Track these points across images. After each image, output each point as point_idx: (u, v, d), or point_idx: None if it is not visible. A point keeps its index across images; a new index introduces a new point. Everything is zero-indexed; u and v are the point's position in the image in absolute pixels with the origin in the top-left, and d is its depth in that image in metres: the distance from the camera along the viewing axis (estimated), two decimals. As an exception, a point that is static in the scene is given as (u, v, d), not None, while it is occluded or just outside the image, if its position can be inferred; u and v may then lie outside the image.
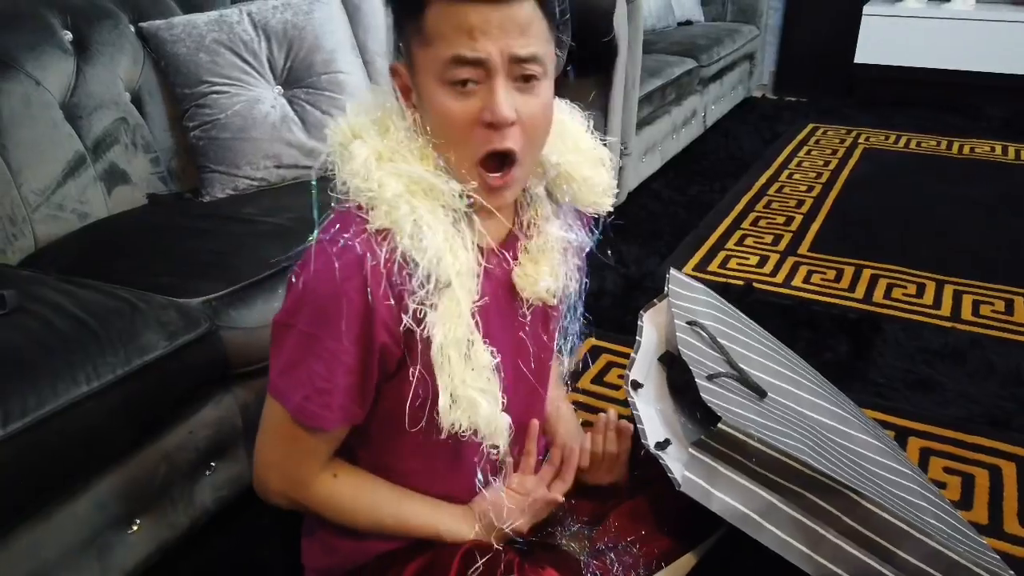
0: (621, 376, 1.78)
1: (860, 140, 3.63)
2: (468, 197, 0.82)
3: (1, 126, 1.45)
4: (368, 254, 0.77)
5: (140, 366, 1.09)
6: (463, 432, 0.84)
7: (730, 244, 2.51)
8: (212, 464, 1.27)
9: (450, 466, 0.95)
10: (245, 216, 1.53)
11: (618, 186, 2.60)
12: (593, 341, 1.90)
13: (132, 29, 1.71)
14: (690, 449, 0.93)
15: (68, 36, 1.60)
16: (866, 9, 4.07)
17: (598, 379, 1.79)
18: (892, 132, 3.72)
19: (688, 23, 3.86)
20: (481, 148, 0.79)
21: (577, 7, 2.00)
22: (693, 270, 2.29)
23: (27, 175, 1.48)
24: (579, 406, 1.64)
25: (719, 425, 0.91)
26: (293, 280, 0.80)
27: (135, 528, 1.15)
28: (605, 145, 0.99)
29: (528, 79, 0.78)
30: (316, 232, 0.81)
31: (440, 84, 0.77)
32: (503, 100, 0.76)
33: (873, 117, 3.97)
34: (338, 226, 0.80)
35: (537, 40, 0.78)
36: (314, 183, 0.84)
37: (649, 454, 0.98)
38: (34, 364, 1.01)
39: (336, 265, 0.77)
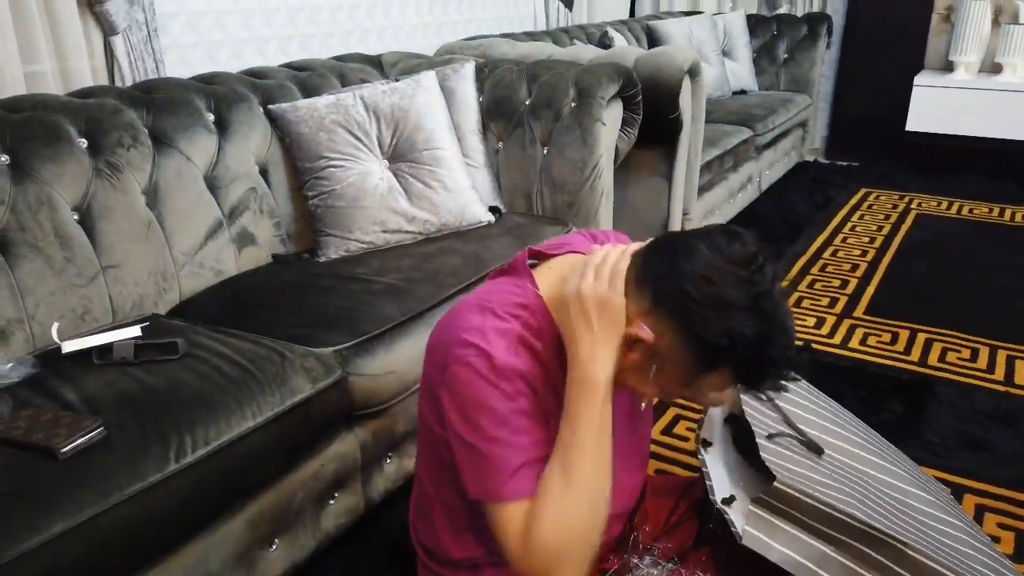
0: (689, 429, 1.93)
1: (912, 205, 3.74)
2: None
3: (159, 196, 1.70)
4: None
5: (291, 405, 1.28)
6: None
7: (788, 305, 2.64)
8: (335, 495, 1.46)
9: None
10: (359, 276, 1.74)
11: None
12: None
13: (262, 110, 1.96)
14: (750, 506, 1.07)
15: (211, 117, 1.86)
16: (917, 80, 4.22)
17: (667, 431, 1.94)
18: (945, 198, 3.83)
19: (743, 92, 4.06)
20: None
21: (646, 86, 2.22)
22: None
23: (177, 238, 1.72)
24: (652, 457, 1.79)
25: (775, 484, 1.05)
26: None
27: (275, 547, 1.34)
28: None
29: None
30: None
31: (671, 392, 0.96)
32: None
33: (925, 183, 4.08)
34: None
35: None
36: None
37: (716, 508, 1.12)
38: (212, 401, 1.21)
39: None
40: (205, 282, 1.77)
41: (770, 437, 1.17)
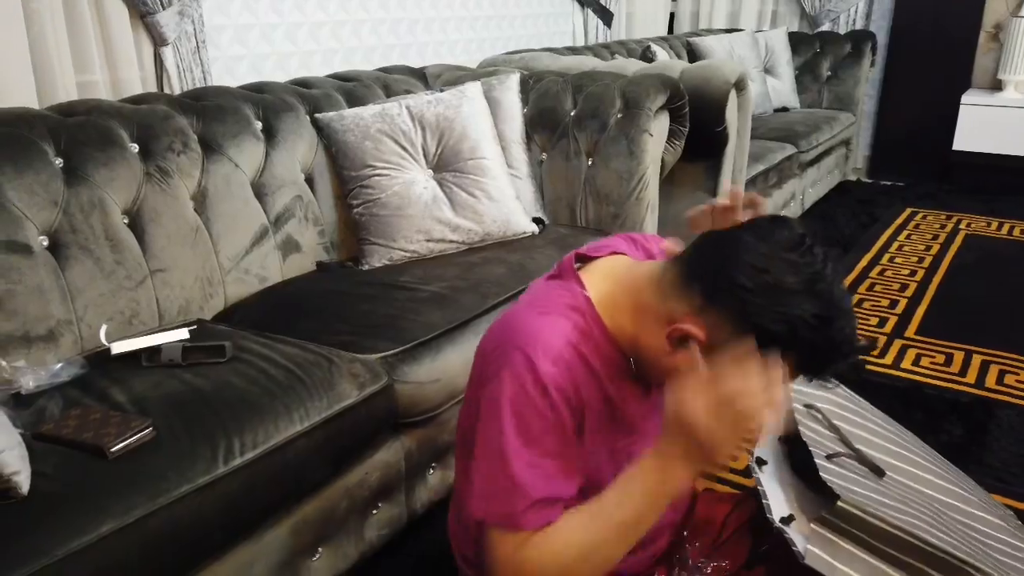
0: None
1: (961, 226, 3.65)
2: None
3: (207, 201, 1.70)
4: None
5: (339, 410, 1.26)
6: None
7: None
8: (379, 504, 1.43)
9: None
10: (403, 284, 1.73)
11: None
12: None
13: (308, 119, 1.97)
14: (812, 525, 1.02)
15: (259, 125, 1.86)
16: (964, 99, 4.13)
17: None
18: (994, 219, 3.73)
19: (784, 110, 4.01)
20: None
21: (692, 99, 2.19)
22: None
23: (224, 243, 1.72)
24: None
25: (838, 503, 1.00)
26: None
27: (318, 556, 1.31)
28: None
29: None
30: None
31: None
32: None
33: (973, 204, 3.98)
34: None
35: None
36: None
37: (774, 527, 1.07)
38: (260, 405, 1.20)
39: None
40: (250, 289, 1.76)
41: (829, 458, 1.12)
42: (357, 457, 1.35)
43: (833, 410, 1.26)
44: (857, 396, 1.40)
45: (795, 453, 1.21)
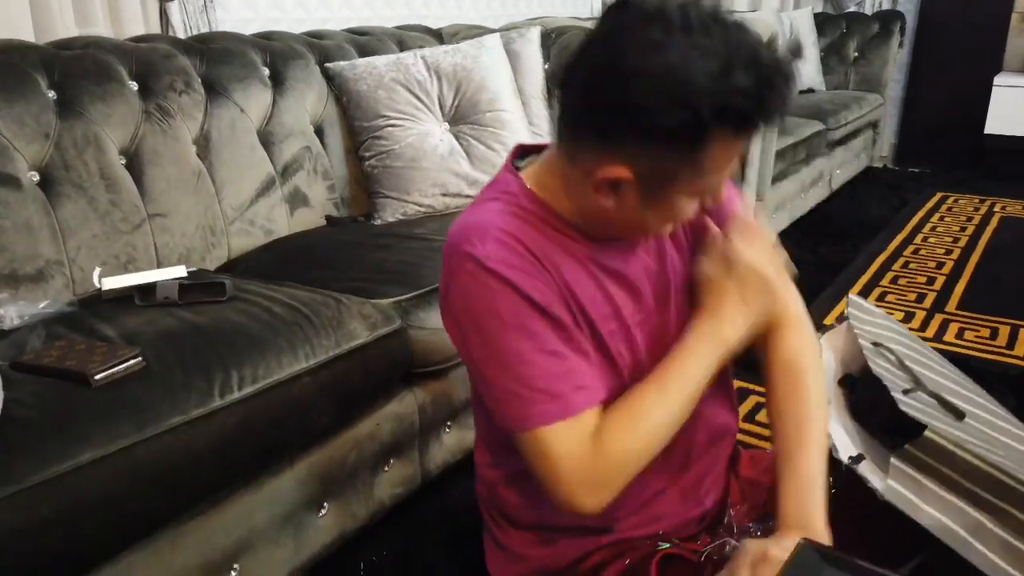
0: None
1: (996, 209, 3.51)
2: None
3: (210, 146, 1.60)
4: None
5: (348, 350, 1.15)
6: None
7: (870, 300, 2.44)
8: (390, 461, 1.32)
9: None
10: (419, 235, 1.62)
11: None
12: (738, 383, 1.88)
13: (319, 69, 1.87)
14: (892, 459, 0.90)
15: (266, 72, 1.76)
16: (997, 80, 4.00)
17: (749, 418, 1.76)
18: (1030, 202, 3.59)
19: (810, 91, 3.88)
20: (665, 232, 0.87)
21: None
22: (836, 322, 2.24)
23: (227, 191, 1.62)
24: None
25: (926, 433, 0.88)
26: None
27: (324, 512, 1.20)
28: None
29: None
30: None
31: (687, 196, 0.78)
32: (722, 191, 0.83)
33: (1006, 187, 3.84)
34: None
35: None
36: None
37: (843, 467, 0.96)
38: (262, 340, 1.09)
39: None
40: (255, 241, 1.66)
41: (905, 392, 1.00)
42: (368, 405, 1.24)
43: (904, 351, 1.14)
44: (922, 340, 1.28)
45: (857, 395, 1.09)
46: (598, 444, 0.78)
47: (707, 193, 0.80)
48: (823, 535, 0.82)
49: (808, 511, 0.85)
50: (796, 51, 0.86)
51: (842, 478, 1.03)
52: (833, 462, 0.98)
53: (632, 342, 0.87)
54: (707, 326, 0.85)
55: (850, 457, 0.95)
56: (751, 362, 0.98)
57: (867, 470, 0.92)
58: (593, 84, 0.74)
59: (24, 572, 0.82)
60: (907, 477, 0.88)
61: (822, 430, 0.90)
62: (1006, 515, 0.87)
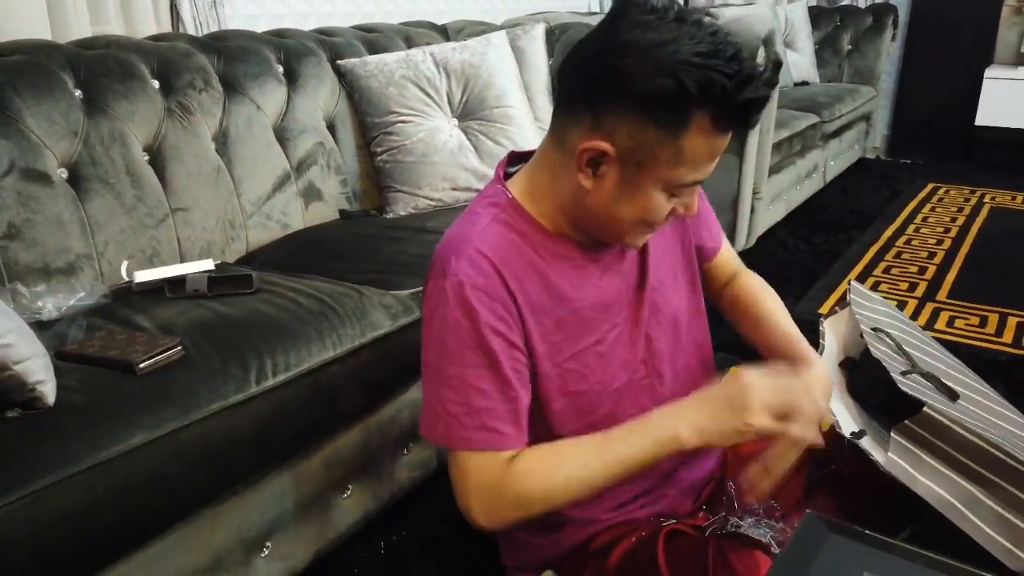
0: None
1: (986, 199, 3.58)
2: None
3: (229, 142, 1.65)
4: None
5: (372, 339, 1.21)
6: None
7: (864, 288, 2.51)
8: (409, 445, 1.38)
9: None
10: (430, 228, 1.67)
11: (749, 229, 2.67)
12: (735, 371, 1.94)
13: (330, 66, 1.91)
14: (893, 433, 0.96)
15: (281, 69, 1.81)
16: (988, 72, 4.06)
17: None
18: (1019, 193, 3.66)
19: (804, 83, 3.94)
20: (637, 238, 0.88)
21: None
22: (837, 307, 2.31)
23: (245, 186, 1.67)
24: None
25: (924, 410, 0.94)
26: None
27: (348, 493, 1.26)
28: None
29: None
30: None
31: (662, 189, 0.80)
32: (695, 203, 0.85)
33: (996, 178, 3.91)
34: None
35: None
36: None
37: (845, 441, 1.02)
38: (291, 330, 1.15)
39: None
40: (272, 234, 1.71)
41: (903, 374, 1.06)
42: (390, 391, 1.30)
43: (902, 336, 1.21)
44: (920, 327, 1.35)
45: (856, 378, 1.16)
46: (505, 481, 0.81)
47: (681, 194, 0.82)
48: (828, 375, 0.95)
49: (807, 351, 1.00)
50: (778, 66, 0.93)
51: (843, 457, 1.10)
52: (837, 438, 1.05)
53: (600, 355, 0.90)
54: (663, 421, 0.82)
55: (852, 432, 1.02)
56: (756, 355, 1.05)
57: (868, 444, 0.98)
58: (588, 57, 0.79)
59: (81, 550, 0.87)
60: (906, 451, 0.94)
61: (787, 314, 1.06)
62: (998, 488, 0.94)
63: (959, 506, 0.92)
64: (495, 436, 0.82)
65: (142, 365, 1.00)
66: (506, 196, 0.87)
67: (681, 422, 0.81)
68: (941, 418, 0.92)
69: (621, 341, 0.93)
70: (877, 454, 0.95)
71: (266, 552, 1.13)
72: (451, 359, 0.81)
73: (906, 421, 0.94)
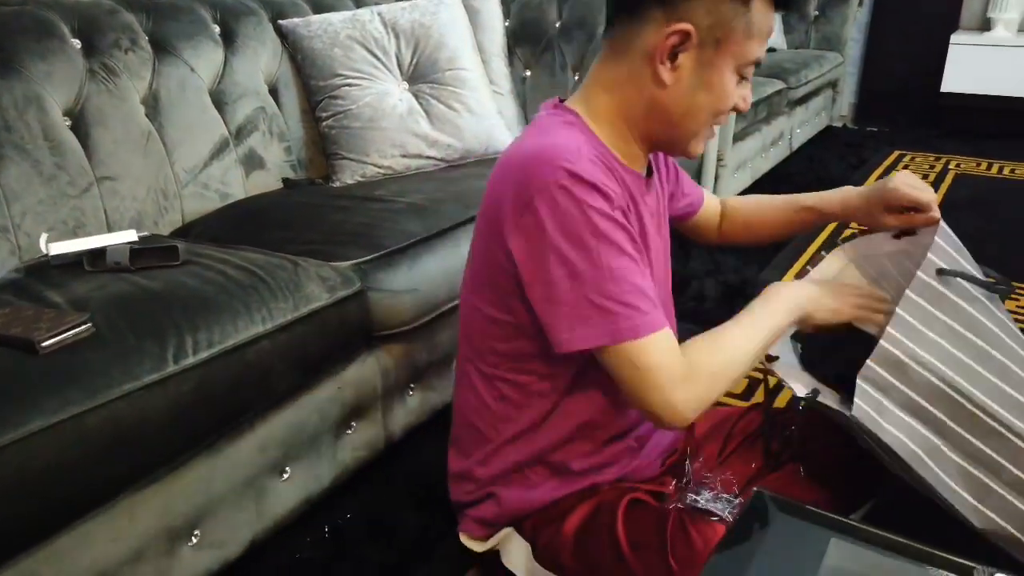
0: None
1: (950, 166, 3.57)
2: None
3: (160, 106, 1.55)
4: None
5: (306, 313, 1.14)
6: None
7: (830, 258, 2.48)
8: (353, 424, 1.31)
9: None
10: (378, 197, 1.59)
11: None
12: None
13: (271, 26, 1.81)
14: (858, 380, 0.91)
15: (217, 29, 1.71)
16: (953, 39, 4.04)
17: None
18: (983, 159, 3.65)
19: (771, 50, 3.88)
20: (701, 141, 0.92)
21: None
22: (795, 278, 2.27)
23: (179, 154, 1.57)
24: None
25: (881, 342, 0.90)
26: None
27: (286, 476, 1.19)
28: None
29: None
30: None
31: (734, 70, 0.86)
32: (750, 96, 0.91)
33: (961, 145, 3.90)
34: None
35: None
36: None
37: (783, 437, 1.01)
38: (217, 304, 1.07)
39: None
40: (210, 205, 1.62)
41: (940, 272, 0.99)
42: (328, 368, 1.23)
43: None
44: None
45: (806, 353, 1.11)
46: (692, 360, 0.83)
47: (746, 74, 0.87)
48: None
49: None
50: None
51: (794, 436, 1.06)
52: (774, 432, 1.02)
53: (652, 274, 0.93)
54: (791, 291, 0.94)
55: (807, 393, 0.97)
56: (715, 323, 1.00)
57: (828, 399, 0.94)
58: None
59: (-26, 543, 0.80)
60: (871, 399, 0.89)
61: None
62: (959, 438, 0.90)
63: (923, 455, 0.89)
64: (661, 315, 0.83)
65: (44, 344, 0.91)
66: (575, 115, 0.89)
67: (802, 292, 0.95)
68: (898, 353, 0.88)
69: (658, 264, 0.99)
70: (841, 407, 0.91)
71: (194, 540, 1.06)
72: (599, 253, 0.79)
73: (869, 361, 0.89)
